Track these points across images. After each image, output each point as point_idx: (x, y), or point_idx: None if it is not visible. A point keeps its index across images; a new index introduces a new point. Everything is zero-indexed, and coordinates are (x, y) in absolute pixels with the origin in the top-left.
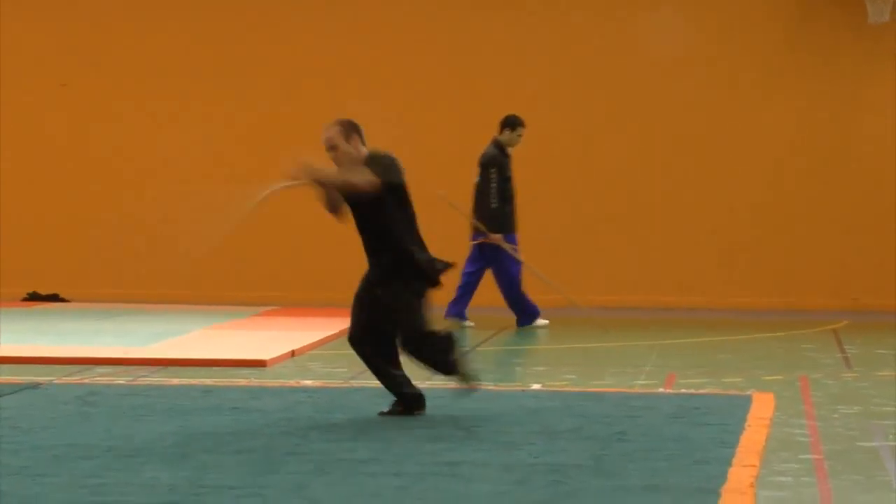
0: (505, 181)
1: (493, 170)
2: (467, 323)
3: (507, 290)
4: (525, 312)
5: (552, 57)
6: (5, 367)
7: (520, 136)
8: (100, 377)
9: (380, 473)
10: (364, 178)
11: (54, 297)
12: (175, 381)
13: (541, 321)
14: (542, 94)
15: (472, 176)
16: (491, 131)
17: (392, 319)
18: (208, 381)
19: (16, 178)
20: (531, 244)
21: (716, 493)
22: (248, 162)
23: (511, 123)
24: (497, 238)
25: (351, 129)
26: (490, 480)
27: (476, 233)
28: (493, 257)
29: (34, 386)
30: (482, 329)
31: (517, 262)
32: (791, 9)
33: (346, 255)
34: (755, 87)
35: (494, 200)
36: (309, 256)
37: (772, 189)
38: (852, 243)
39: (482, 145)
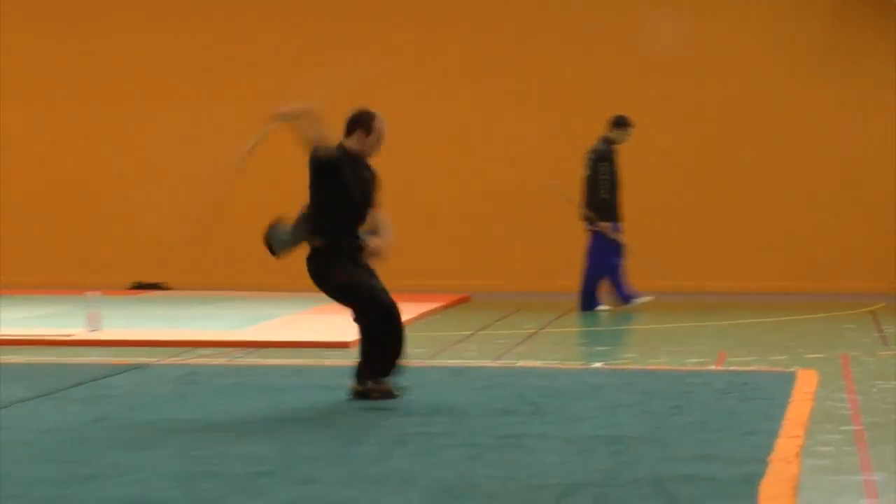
0: (613, 174)
1: (603, 164)
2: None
3: (589, 276)
4: (590, 301)
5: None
6: (115, 349)
7: (628, 134)
8: (199, 358)
9: (454, 445)
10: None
11: (158, 286)
12: (267, 361)
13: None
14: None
15: (581, 170)
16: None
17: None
18: (297, 362)
19: (122, 176)
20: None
21: (764, 462)
22: None
23: (620, 123)
24: (605, 226)
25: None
26: (554, 451)
27: (588, 221)
28: (597, 242)
29: (141, 367)
30: (548, 311)
31: (619, 252)
32: (827, 11)
33: (422, 245)
34: (792, 86)
35: (605, 192)
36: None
37: (812, 180)
38: (889, 230)
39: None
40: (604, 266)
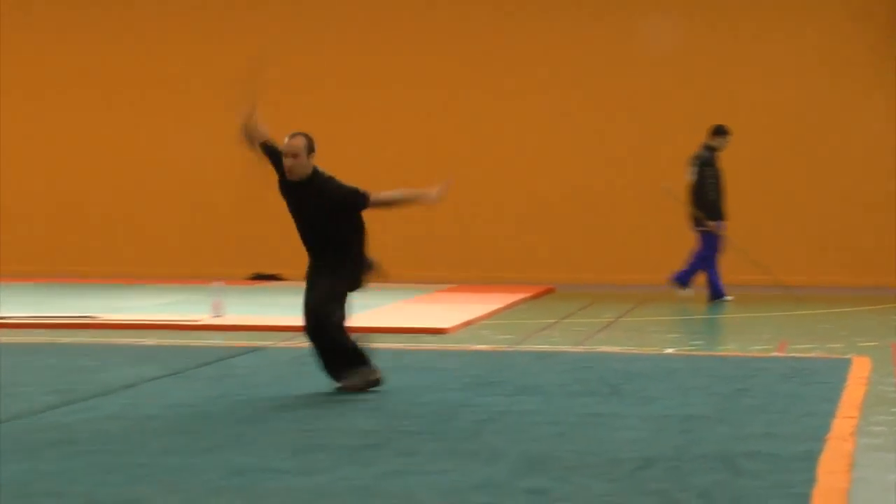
0: (717, 178)
1: (708, 169)
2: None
3: (706, 269)
4: (715, 290)
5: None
6: (236, 333)
7: (727, 141)
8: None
9: (540, 423)
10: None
11: (275, 277)
12: (373, 345)
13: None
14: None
15: (685, 175)
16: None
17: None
18: (399, 346)
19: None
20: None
21: (821, 440)
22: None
23: (720, 132)
24: (713, 225)
25: (312, 146)
26: (631, 428)
27: (696, 221)
28: (705, 240)
29: (259, 349)
30: (625, 302)
31: (719, 249)
32: (881, 18)
33: (511, 241)
34: (849, 92)
35: (712, 193)
36: (483, 240)
37: (870, 183)
38: None
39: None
40: (707, 260)
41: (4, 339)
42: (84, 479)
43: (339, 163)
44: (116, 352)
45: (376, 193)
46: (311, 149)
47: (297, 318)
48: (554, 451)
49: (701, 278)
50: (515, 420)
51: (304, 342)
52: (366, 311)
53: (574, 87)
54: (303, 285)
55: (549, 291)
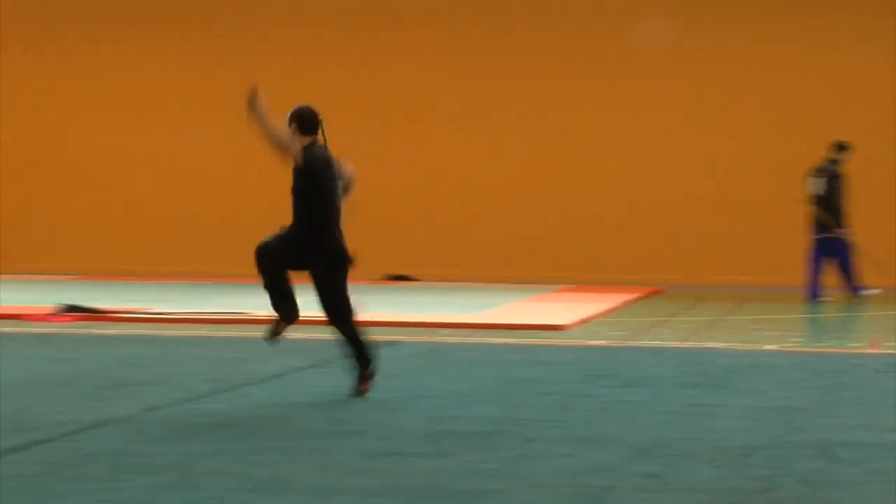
0: (843, 189)
1: (835, 180)
2: (870, 291)
3: (843, 270)
4: (852, 287)
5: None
6: (373, 329)
7: (849, 155)
8: (440, 337)
9: (651, 412)
10: (290, 148)
11: (406, 277)
12: (496, 340)
13: (872, 290)
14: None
15: (807, 186)
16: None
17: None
18: (521, 341)
19: (372, 176)
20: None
21: None
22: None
23: (843, 147)
24: (842, 232)
25: (290, 119)
26: (734, 419)
27: (821, 229)
28: (836, 247)
29: (394, 343)
30: (729, 301)
31: (850, 252)
32: None
33: (621, 243)
34: None
35: (840, 203)
36: (595, 244)
37: None
38: None
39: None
40: (849, 259)
41: (163, 333)
42: (238, 459)
43: (476, 173)
44: (264, 345)
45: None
46: (289, 121)
47: (428, 316)
48: (664, 438)
49: (836, 279)
50: (628, 409)
51: (433, 337)
52: (488, 308)
53: (678, 95)
54: (434, 285)
55: (657, 292)
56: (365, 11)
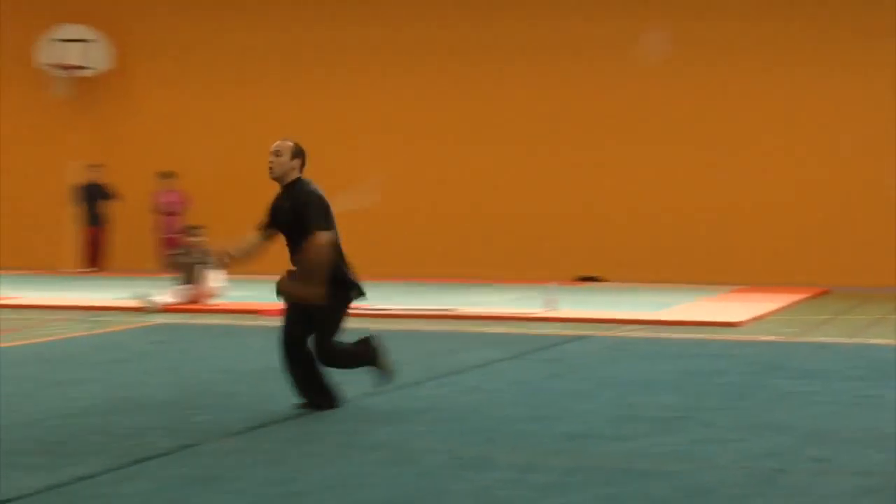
0: None
1: None
2: None
3: None
4: None
5: None
6: (565, 324)
7: None
8: (625, 332)
9: (820, 402)
10: (321, 275)
11: (595, 279)
12: (676, 335)
13: None
14: None
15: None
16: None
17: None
18: (699, 336)
19: (577, 188)
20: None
21: None
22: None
23: None
24: None
25: (298, 153)
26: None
27: None
28: None
29: (583, 338)
30: (891, 301)
31: None
32: None
33: (789, 247)
34: None
35: None
36: (764, 246)
37: None
38: None
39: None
40: None
41: (382, 327)
42: (447, 439)
43: (652, 181)
44: (469, 338)
45: (322, 240)
46: (295, 153)
47: (614, 313)
48: (832, 425)
49: None
50: (799, 399)
51: (619, 332)
52: (667, 307)
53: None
54: (619, 286)
55: (824, 293)
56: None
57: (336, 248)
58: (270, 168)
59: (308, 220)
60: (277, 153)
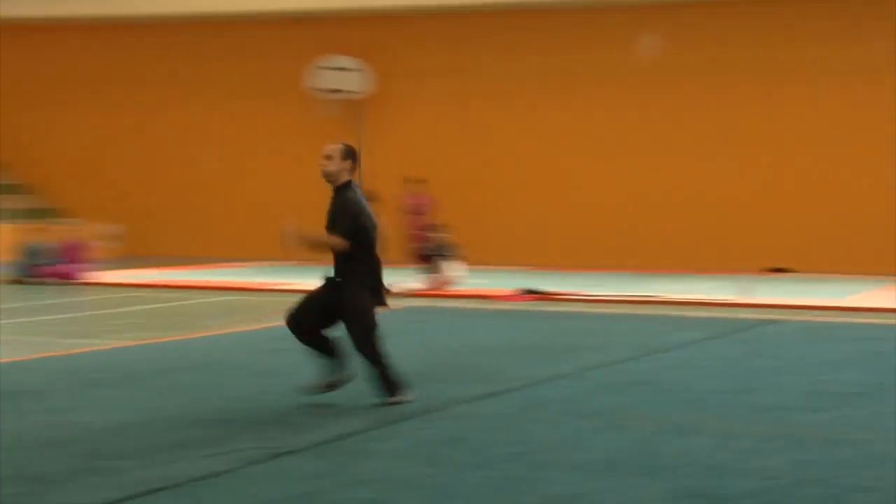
0: None
1: None
2: None
3: None
4: None
5: None
6: (758, 310)
7: None
8: (814, 317)
9: None
10: (336, 243)
11: (785, 270)
12: (860, 320)
13: None
14: None
15: None
16: None
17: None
18: (881, 321)
19: (768, 186)
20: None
21: None
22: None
23: None
24: None
25: (349, 154)
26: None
27: None
28: None
29: (772, 322)
30: None
31: None
32: None
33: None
34: None
35: None
36: None
37: None
38: None
39: None
40: None
41: (596, 310)
42: (655, 408)
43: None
44: (673, 321)
45: (335, 241)
46: (346, 155)
47: (805, 300)
48: None
49: None
50: None
51: (812, 316)
52: (852, 295)
53: None
54: (804, 276)
55: None
56: None
57: (373, 255)
58: (323, 171)
59: (338, 224)
60: (329, 157)
